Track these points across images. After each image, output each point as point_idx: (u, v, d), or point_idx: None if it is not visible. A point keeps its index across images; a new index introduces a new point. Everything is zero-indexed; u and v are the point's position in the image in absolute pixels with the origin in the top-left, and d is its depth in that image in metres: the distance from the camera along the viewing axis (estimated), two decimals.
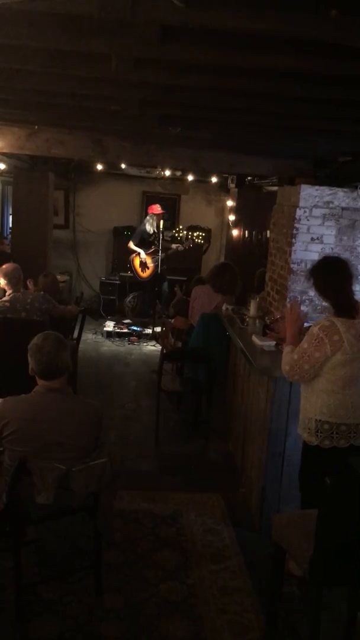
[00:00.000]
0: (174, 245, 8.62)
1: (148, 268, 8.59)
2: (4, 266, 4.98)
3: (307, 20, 1.91)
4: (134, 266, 8.69)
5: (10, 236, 8.92)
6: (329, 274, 3.10)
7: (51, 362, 2.82)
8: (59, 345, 2.86)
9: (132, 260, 8.68)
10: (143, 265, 8.60)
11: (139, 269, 8.67)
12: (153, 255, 8.51)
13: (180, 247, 8.61)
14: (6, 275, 4.91)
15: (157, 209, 8.51)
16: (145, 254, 8.54)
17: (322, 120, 3.51)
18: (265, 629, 2.77)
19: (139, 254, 8.56)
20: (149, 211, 8.67)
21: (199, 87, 2.88)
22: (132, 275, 8.82)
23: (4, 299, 4.97)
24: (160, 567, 3.26)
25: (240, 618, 2.91)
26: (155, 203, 8.78)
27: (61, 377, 2.89)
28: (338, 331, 2.93)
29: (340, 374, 2.95)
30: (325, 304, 3.26)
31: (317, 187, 4.52)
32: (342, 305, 3.03)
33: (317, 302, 4.39)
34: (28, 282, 5.41)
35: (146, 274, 8.64)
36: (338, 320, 2.97)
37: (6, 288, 4.97)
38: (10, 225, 9.40)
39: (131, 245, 8.58)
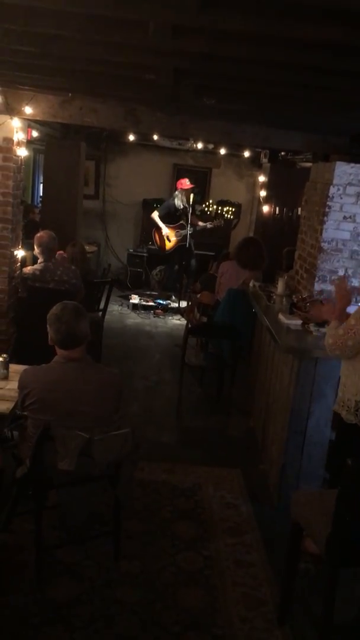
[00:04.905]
0: (201, 223, 8.54)
1: (170, 241, 8.55)
2: (39, 234, 4.98)
3: None
4: (155, 239, 8.67)
5: (40, 205, 8.95)
6: None
7: (70, 332, 2.81)
8: (77, 315, 2.85)
9: (154, 232, 8.65)
10: (165, 238, 8.55)
11: (160, 242, 8.64)
12: (177, 229, 8.47)
13: (210, 225, 8.55)
14: (41, 245, 4.92)
15: (185, 183, 8.43)
16: (168, 227, 8.50)
17: None
18: (279, 604, 2.81)
19: (160, 229, 8.51)
20: (178, 186, 8.57)
21: (236, 57, 2.81)
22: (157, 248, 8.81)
23: (35, 267, 4.99)
24: (177, 537, 3.31)
25: (255, 591, 2.95)
26: (184, 177, 8.70)
27: (80, 346, 2.88)
28: None
29: None
30: None
31: (352, 164, 4.42)
32: None
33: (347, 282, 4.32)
34: (59, 254, 5.39)
35: (168, 246, 8.61)
36: None
37: (39, 257, 4.98)
38: (41, 194, 9.42)
39: (155, 217, 8.53)
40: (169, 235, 8.51)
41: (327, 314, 3.34)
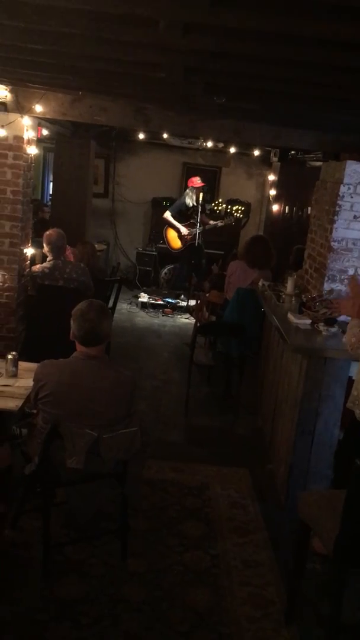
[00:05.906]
0: (212, 222, 8.53)
1: (182, 240, 8.53)
2: (48, 232, 4.99)
3: None
4: (166, 238, 8.65)
5: (50, 203, 8.97)
6: None
7: (93, 330, 2.85)
8: (102, 314, 2.89)
9: (166, 231, 8.64)
10: (180, 238, 8.53)
11: (171, 241, 8.63)
12: (188, 228, 8.46)
13: (220, 223, 8.53)
14: (49, 243, 4.93)
15: (197, 181, 8.41)
16: (182, 225, 8.50)
17: None
18: (286, 604, 2.80)
19: (177, 228, 8.49)
20: (189, 184, 8.56)
21: (247, 55, 2.80)
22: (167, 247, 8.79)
23: (45, 264, 5.01)
24: (184, 536, 3.31)
25: (262, 591, 2.94)
26: (195, 175, 8.68)
27: (100, 345, 2.91)
28: None
29: None
30: None
31: None
32: None
33: None
34: (69, 252, 5.41)
35: (178, 245, 8.59)
36: None
37: (48, 255, 5.00)
38: (51, 193, 9.44)
39: (168, 216, 8.52)
40: (184, 234, 8.48)
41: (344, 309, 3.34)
